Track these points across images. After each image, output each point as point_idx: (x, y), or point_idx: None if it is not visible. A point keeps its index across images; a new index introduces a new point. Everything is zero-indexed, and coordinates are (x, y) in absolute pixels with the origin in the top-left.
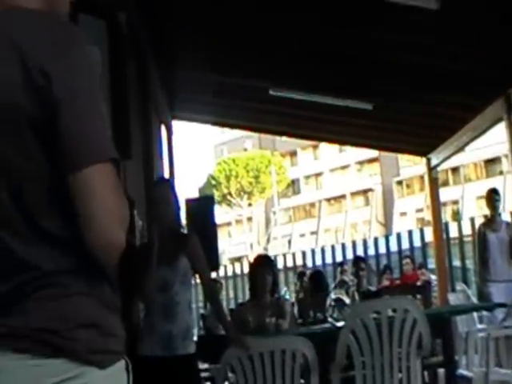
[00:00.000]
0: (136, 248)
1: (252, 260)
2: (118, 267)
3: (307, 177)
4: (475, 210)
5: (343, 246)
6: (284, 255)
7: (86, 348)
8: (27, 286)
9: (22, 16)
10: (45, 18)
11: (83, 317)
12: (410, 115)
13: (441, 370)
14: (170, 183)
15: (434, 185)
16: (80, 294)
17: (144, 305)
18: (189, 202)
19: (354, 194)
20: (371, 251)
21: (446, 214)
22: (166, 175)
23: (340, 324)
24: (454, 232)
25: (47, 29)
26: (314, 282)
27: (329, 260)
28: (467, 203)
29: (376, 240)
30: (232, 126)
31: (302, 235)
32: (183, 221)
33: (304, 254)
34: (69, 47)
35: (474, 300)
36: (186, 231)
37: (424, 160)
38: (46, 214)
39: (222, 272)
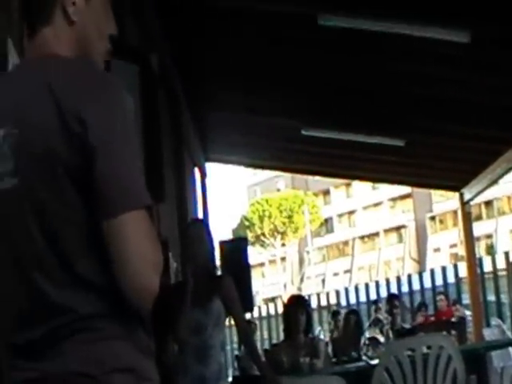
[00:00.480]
0: (170, 288)
1: (286, 300)
2: (152, 308)
3: (340, 215)
4: (509, 244)
5: (377, 284)
6: (318, 294)
7: None
8: (63, 329)
9: (58, 64)
10: (80, 66)
11: (119, 361)
12: (443, 150)
13: None
14: (203, 223)
15: (468, 219)
16: (115, 338)
17: (177, 346)
18: (223, 243)
19: (387, 230)
20: (405, 288)
21: (480, 249)
22: (200, 217)
23: (374, 362)
24: (488, 266)
25: (82, 76)
26: (348, 321)
27: (363, 298)
28: (501, 237)
29: (410, 277)
30: (264, 167)
31: (336, 274)
32: (217, 262)
33: (338, 292)
34: (104, 94)
35: (510, 335)
36: (220, 273)
37: (457, 195)
38: (81, 259)
39: (256, 313)
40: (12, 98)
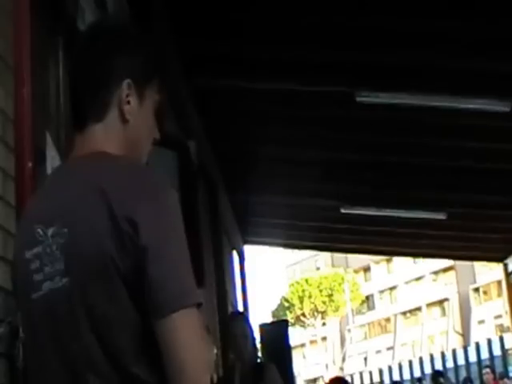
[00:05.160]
0: (215, 381)
1: (327, 382)
2: None
3: (381, 291)
4: None
5: (421, 361)
6: (361, 373)
7: None
8: None
9: (110, 164)
10: (129, 165)
11: None
12: (485, 221)
13: None
14: (245, 317)
15: None
16: None
17: None
18: (263, 327)
19: (429, 304)
20: (450, 364)
21: None
22: (240, 300)
23: None
24: None
25: (133, 176)
26: None
27: (406, 376)
28: None
29: (454, 352)
30: (303, 247)
31: (378, 351)
32: (258, 345)
33: (381, 371)
34: (154, 194)
35: None
36: (261, 357)
37: (501, 265)
38: (134, 360)
39: None
40: (61, 198)
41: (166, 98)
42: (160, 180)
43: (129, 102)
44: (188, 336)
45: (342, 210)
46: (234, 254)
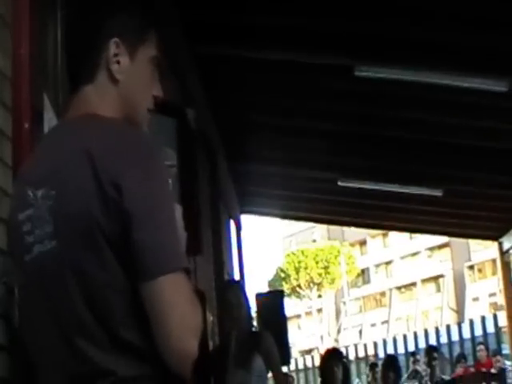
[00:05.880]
0: (211, 351)
1: (322, 354)
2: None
3: (377, 265)
4: None
5: (415, 335)
6: (355, 346)
7: None
8: None
9: (99, 127)
10: (117, 128)
11: None
12: (481, 199)
13: None
14: (240, 286)
15: (507, 268)
16: None
17: None
18: (259, 296)
19: (424, 280)
20: (444, 339)
21: None
22: (236, 269)
23: None
24: None
25: (122, 142)
26: (387, 367)
27: (401, 349)
28: None
29: (448, 328)
30: (300, 219)
31: (373, 325)
32: (253, 314)
33: (375, 344)
34: (140, 158)
35: None
36: (256, 325)
37: (496, 244)
38: (122, 323)
39: (292, 365)
40: (51, 160)
41: (164, 53)
42: (148, 144)
43: (118, 62)
44: (175, 299)
45: (339, 183)
46: (231, 222)
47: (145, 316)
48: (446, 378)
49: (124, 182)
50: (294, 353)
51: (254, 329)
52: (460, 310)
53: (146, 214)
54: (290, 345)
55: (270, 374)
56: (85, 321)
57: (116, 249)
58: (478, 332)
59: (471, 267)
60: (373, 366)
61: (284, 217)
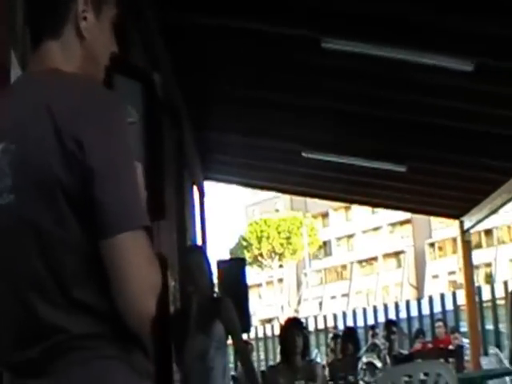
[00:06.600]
0: (171, 315)
1: (282, 323)
2: (154, 335)
3: (339, 238)
4: (508, 273)
5: (375, 309)
6: (315, 317)
7: None
8: (57, 348)
9: (61, 82)
10: (80, 83)
11: (113, 381)
12: (444, 178)
13: None
14: (202, 251)
15: (467, 247)
16: (111, 358)
17: (181, 372)
18: (220, 263)
19: (385, 255)
20: (403, 314)
21: (479, 277)
22: (198, 236)
23: None
24: (486, 295)
25: (81, 94)
26: (346, 339)
27: (360, 323)
28: (500, 266)
29: (408, 303)
30: (263, 188)
31: (333, 297)
32: (215, 282)
33: (335, 316)
34: (102, 113)
35: (507, 364)
36: (217, 292)
37: (457, 222)
38: (79, 282)
39: (252, 333)
40: (12, 114)
41: (124, 12)
42: (110, 99)
43: (85, 18)
44: (133, 257)
45: (303, 154)
46: (195, 189)
47: (104, 275)
48: (404, 352)
49: (85, 138)
50: (255, 321)
51: (215, 295)
52: (420, 287)
53: (106, 170)
54: (251, 313)
55: (229, 342)
56: (39, 277)
57: (75, 205)
58: (437, 309)
59: (432, 245)
60: (335, 338)
61: (247, 185)
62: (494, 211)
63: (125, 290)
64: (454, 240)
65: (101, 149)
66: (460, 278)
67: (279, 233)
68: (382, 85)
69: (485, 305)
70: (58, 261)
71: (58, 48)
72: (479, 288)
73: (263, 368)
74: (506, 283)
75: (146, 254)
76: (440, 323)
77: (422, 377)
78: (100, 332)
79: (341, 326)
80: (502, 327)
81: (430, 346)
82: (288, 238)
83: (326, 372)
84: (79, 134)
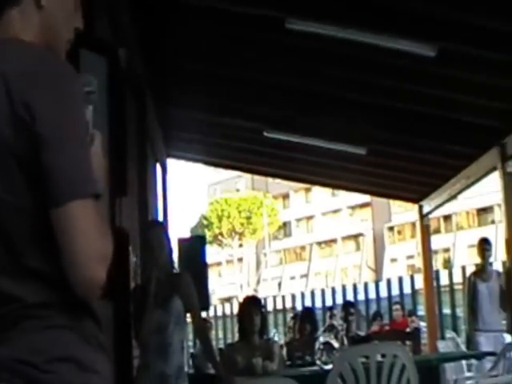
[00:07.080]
0: (131, 290)
1: (241, 301)
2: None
3: (299, 220)
4: (466, 259)
5: (333, 291)
6: (274, 297)
7: (62, 382)
8: (8, 317)
9: (15, 49)
10: (36, 52)
11: (62, 350)
12: (404, 162)
13: None
14: (163, 227)
15: (426, 232)
16: (61, 327)
17: (140, 346)
18: (181, 241)
19: (345, 238)
20: (361, 296)
21: (437, 262)
22: (160, 213)
23: (328, 367)
24: (444, 280)
25: (36, 62)
26: (304, 319)
27: (318, 304)
28: (458, 251)
29: (366, 285)
30: (225, 166)
31: (292, 278)
32: (175, 259)
33: (294, 296)
34: (54, 80)
35: (463, 348)
36: (177, 269)
37: (416, 207)
38: (29, 249)
39: (211, 312)
40: None
41: None
42: (63, 66)
43: None
44: (83, 225)
45: (265, 134)
46: (157, 165)
47: (55, 243)
48: (362, 333)
49: (35, 104)
50: (214, 300)
51: (174, 271)
52: (378, 270)
53: (56, 137)
54: (210, 291)
55: (189, 320)
56: None
57: (26, 172)
58: (395, 292)
59: (391, 228)
60: (294, 317)
61: (209, 163)
62: (453, 196)
63: (74, 258)
64: (413, 225)
65: (50, 115)
66: (418, 262)
67: (240, 212)
68: (345, 67)
69: (442, 289)
70: (7, 227)
71: (17, 16)
72: (437, 272)
73: (222, 346)
74: (463, 268)
75: (96, 222)
76: (397, 306)
77: (378, 358)
78: (51, 301)
79: (299, 307)
80: (459, 312)
81: (387, 328)
82: (248, 218)
83: (284, 351)
84: (29, 100)
